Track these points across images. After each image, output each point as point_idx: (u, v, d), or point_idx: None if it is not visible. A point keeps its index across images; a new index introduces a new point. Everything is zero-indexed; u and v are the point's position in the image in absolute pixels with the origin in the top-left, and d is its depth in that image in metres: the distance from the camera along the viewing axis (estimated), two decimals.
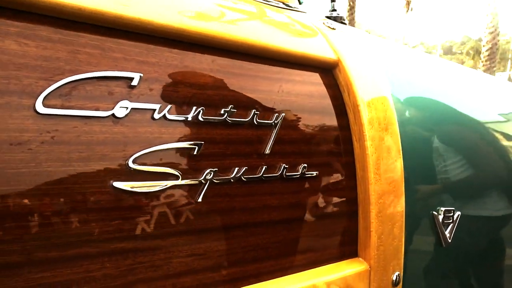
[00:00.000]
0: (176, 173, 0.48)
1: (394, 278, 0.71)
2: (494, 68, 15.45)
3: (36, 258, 0.40)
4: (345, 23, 0.94)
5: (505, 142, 1.05)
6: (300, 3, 0.83)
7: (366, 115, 0.67)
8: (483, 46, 15.73)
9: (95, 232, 0.43)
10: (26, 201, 0.39)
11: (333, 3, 0.93)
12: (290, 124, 0.60)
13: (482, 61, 15.62)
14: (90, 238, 0.43)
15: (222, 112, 0.53)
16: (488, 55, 15.25)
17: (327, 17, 0.94)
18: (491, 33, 15.24)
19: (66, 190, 0.41)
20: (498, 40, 15.74)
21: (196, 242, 0.51)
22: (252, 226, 0.56)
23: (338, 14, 0.93)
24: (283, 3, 0.80)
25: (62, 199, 0.41)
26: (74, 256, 0.42)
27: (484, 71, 15.95)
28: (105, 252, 0.44)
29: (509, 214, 1.03)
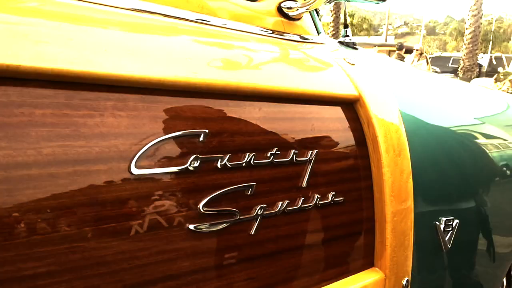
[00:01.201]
0: (235, 212, 0.57)
1: (404, 283, 0.82)
2: (477, 51, 15.78)
3: None
4: (356, 48, 1.02)
5: (499, 152, 1.16)
6: (318, 33, 0.91)
7: (383, 144, 0.76)
8: (466, 29, 15.97)
9: (176, 269, 0.52)
10: (127, 247, 0.48)
11: (345, 29, 1.01)
12: (321, 158, 0.69)
13: (465, 44, 15.90)
14: (172, 274, 0.52)
15: (269, 155, 0.61)
16: (471, 38, 15.53)
17: (340, 42, 1.02)
18: (474, 16, 15.47)
19: (154, 236, 0.50)
20: (481, 23, 16.00)
21: (250, 267, 0.60)
22: (292, 250, 0.65)
23: (351, 40, 1.01)
24: (300, 36, 0.87)
25: (152, 244, 0.50)
26: None
27: (467, 53, 16.25)
28: (182, 284, 0.53)
29: (501, 216, 1.16)
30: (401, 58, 10.00)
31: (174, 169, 0.51)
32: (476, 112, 1.18)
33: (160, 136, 0.51)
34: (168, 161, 0.51)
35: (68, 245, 0.44)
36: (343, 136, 0.74)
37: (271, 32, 0.82)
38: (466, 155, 1.04)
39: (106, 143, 0.47)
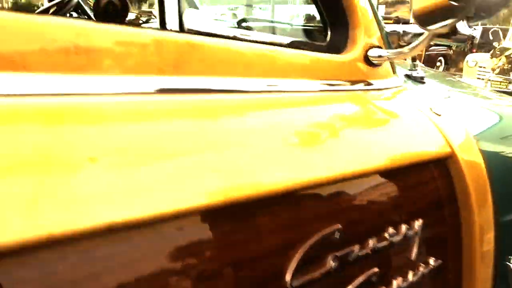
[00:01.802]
0: None
1: None
2: None
3: None
4: (424, 82, 1.00)
5: None
6: (394, 72, 0.88)
7: (474, 201, 0.76)
8: None
9: None
10: None
11: (414, 63, 0.99)
12: (425, 225, 0.68)
13: None
14: None
15: (387, 236, 0.60)
16: None
17: (407, 75, 1.00)
18: None
19: None
20: None
21: None
22: None
23: (418, 74, 0.98)
24: (380, 84, 0.82)
25: None
26: None
27: None
28: None
29: None
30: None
31: (317, 273, 0.51)
32: None
33: (306, 242, 0.49)
34: (314, 266, 0.50)
35: None
36: (438, 197, 0.74)
37: (351, 83, 0.77)
38: None
39: (264, 263, 0.45)
